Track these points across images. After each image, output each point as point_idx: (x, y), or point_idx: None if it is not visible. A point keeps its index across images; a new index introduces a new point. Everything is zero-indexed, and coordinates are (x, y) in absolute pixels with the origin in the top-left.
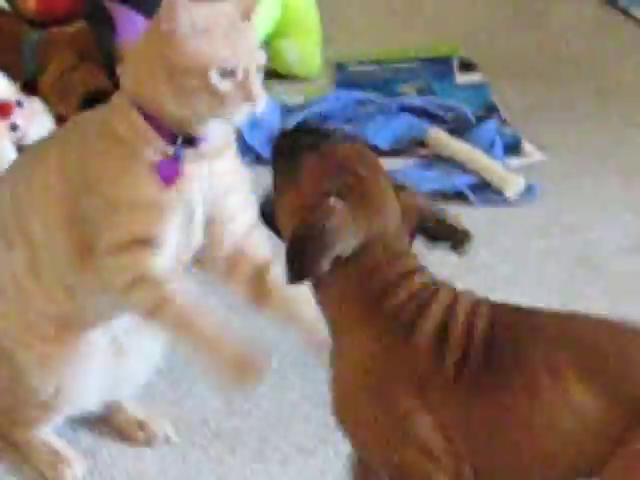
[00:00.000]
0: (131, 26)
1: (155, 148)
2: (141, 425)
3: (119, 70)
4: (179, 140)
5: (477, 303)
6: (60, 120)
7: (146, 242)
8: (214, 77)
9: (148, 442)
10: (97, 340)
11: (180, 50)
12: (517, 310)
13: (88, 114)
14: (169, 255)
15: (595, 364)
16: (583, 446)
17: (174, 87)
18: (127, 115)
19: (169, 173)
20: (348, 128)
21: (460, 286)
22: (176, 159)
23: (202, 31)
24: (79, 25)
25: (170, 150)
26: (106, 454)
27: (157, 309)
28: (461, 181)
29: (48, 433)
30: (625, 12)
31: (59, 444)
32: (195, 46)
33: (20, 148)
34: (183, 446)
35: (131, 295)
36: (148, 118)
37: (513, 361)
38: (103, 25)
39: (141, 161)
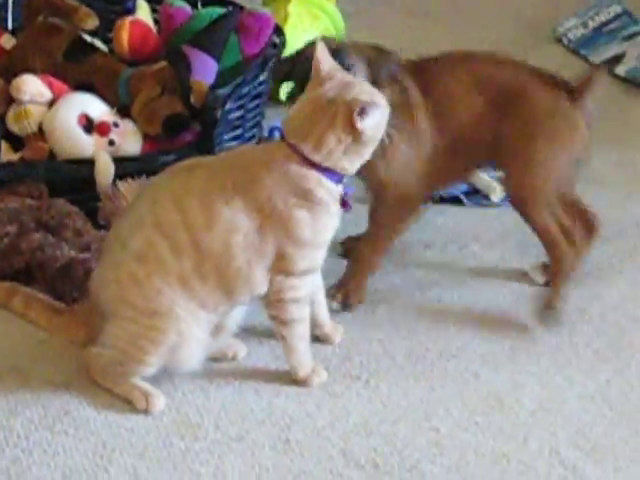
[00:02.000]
0: (202, 66)
1: (334, 196)
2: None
3: (192, 99)
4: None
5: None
6: (147, 138)
7: (312, 271)
8: None
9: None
10: (212, 320)
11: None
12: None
13: (258, 159)
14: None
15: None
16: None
17: (361, 151)
18: (318, 179)
19: (346, 207)
20: None
21: (451, 271)
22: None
23: None
24: (162, 64)
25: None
26: (180, 393)
27: (288, 324)
28: (458, 189)
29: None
30: (585, 59)
31: (143, 382)
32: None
33: (115, 159)
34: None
35: (282, 308)
36: (324, 172)
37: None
38: (181, 64)
39: (330, 215)
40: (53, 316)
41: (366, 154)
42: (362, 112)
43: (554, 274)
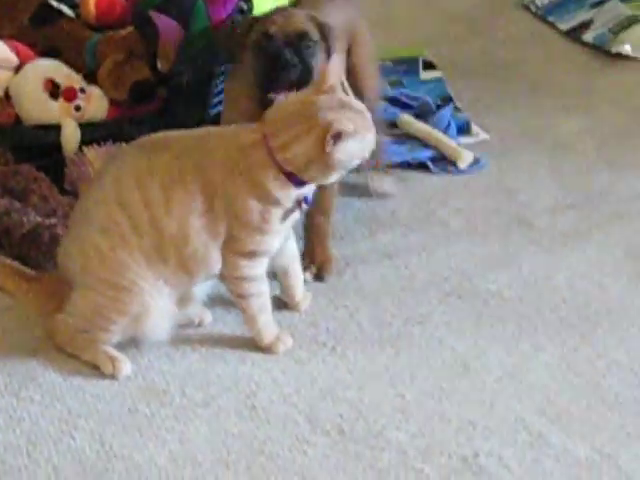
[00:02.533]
0: (169, 31)
1: (290, 198)
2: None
3: (159, 65)
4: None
5: None
6: (113, 103)
7: (264, 254)
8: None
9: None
10: (176, 293)
11: (335, 162)
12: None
13: (222, 142)
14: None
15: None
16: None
17: (324, 171)
18: (276, 176)
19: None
20: None
21: (418, 237)
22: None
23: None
24: (129, 29)
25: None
26: (146, 360)
27: (245, 298)
28: (424, 154)
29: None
30: (553, 25)
31: (110, 348)
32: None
33: (81, 125)
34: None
35: (237, 284)
36: (287, 175)
37: None
38: (148, 30)
39: (281, 208)
40: (22, 282)
41: (330, 176)
42: (336, 137)
43: None
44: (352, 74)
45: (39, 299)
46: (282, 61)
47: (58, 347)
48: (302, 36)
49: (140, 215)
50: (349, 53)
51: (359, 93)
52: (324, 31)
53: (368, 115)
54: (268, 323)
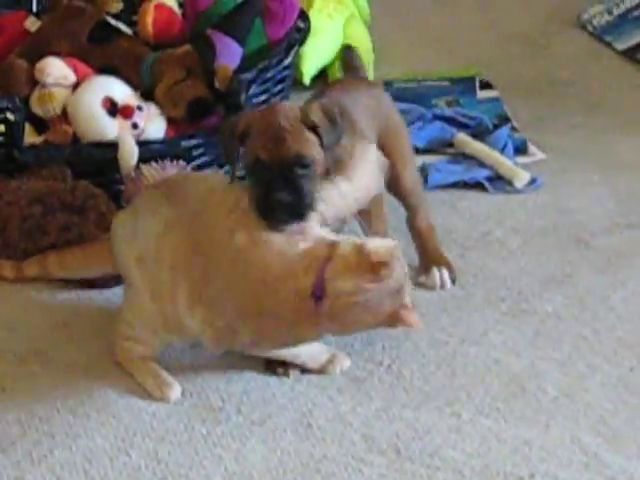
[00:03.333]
0: (227, 50)
1: None
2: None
3: (216, 83)
4: None
5: None
6: (170, 121)
7: None
8: None
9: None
10: None
11: None
12: None
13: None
14: None
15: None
16: None
17: None
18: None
19: None
20: None
21: (475, 256)
22: None
23: None
24: (187, 48)
25: None
26: (200, 379)
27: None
28: (480, 174)
29: (151, 362)
30: (609, 45)
31: (162, 371)
32: None
33: (139, 143)
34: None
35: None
36: None
37: None
38: (205, 48)
39: None
40: (87, 247)
41: None
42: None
43: None
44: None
45: (104, 258)
46: (273, 200)
47: (114, 363)
48: (296, 161)
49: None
50: (383, 144)
51: (395, 184)
52: (332, 117)
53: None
54: (311, 352)
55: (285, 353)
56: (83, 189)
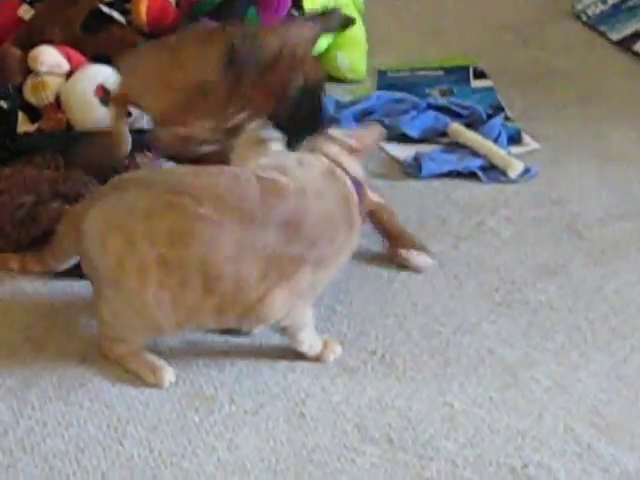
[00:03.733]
0: None
1: None
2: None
3: None
4: None
5: None
6: None
7: None
8: None
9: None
10: None
11: None
12: None
13: None
14: None
15: None
16: None
17: None
18: None
19: None
20: (387, 120)
21: (468, 246)
22: None
23: None
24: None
25: None
26: (195, 366)
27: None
28: (474, 163)
29: (142, 349)
30: (603, 35)
31: (152, 356)
32: None
33: (131, 131)
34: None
35: None
36: None
37: None
38: None
39: None
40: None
41: None
42: None
43: None
44: None
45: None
46: None
47: (104, 354)
48: None
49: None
50: None
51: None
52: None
53: None
54: (313, 334)
55: (291, 340)
56: (76, 178)
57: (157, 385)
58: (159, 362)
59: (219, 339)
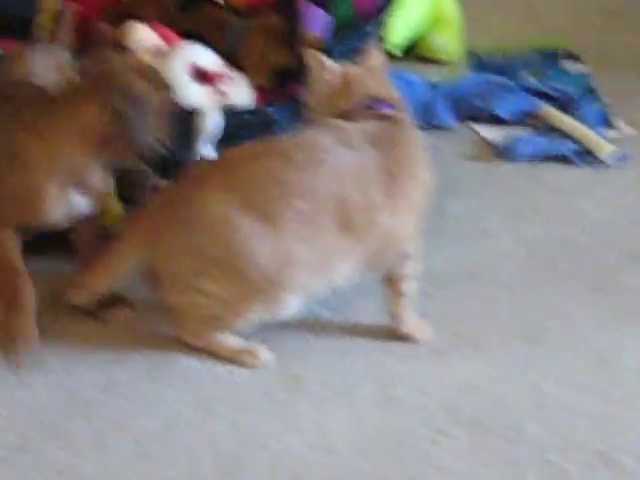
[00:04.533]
0: (313, 16)
1: None
2: None
3: (302, 52)
4: None
5: None
6: (257, 89)
7: None
8: None
9: None
10: None
11: None
12: None
13: None
14: None
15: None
16: None
17: None
18: None
19: None
20: (478, 101)
21: (560, 230)
22: None
23: None
24: (273, 15)
25: None
26: (283, 346)
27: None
28: (565, 147)
29: (231, 337)
30: None
31: (243, 340)
32: None
33: (224, 110)
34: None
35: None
36: None
37: None
38: (291, 15)
39: None
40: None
41: None
42: None
43: None
44: None
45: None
46: None
47: (193, 345)
48: None
49: None
50: None
51: None
52: None
53: None
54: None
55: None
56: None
57: (255, 366)
58: (250, 344)
59: (308, 318)
